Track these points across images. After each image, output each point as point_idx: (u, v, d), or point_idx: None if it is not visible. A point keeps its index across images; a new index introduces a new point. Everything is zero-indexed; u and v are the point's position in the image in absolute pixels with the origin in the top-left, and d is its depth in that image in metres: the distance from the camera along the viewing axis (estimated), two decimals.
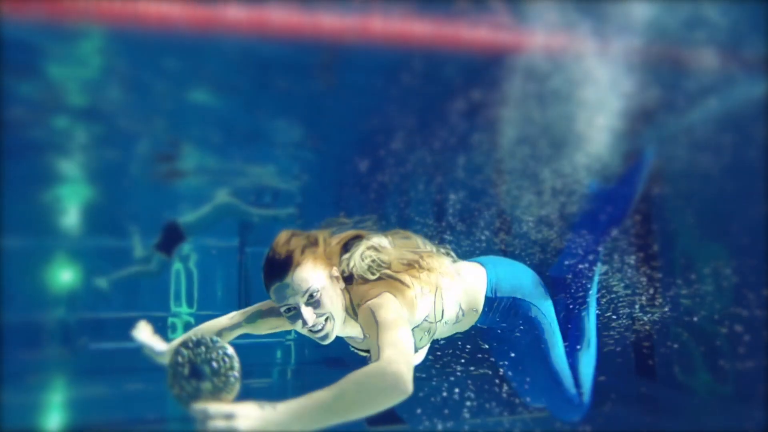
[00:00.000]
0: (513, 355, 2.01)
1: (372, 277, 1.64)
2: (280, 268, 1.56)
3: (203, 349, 1.38)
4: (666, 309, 4.67)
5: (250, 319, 1.82)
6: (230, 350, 1.40)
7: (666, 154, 4.44)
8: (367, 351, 1.83)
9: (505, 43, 3.65)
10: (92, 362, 7.70)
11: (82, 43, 3.62)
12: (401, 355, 1.32)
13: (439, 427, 4.23)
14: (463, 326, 1.93)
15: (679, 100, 4.11)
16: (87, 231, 8.56)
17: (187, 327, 8.74)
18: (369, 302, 1.56)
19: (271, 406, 1.21)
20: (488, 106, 4.38)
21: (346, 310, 1.67)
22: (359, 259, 1.66)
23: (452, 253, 1.85)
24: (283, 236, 1.62)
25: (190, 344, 1.39)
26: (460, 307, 1.86)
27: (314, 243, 1.63)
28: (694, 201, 4.64)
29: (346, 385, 1.22)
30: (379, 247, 1.69)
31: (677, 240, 4.89)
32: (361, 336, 1.75)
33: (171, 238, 6.37)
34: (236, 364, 1.39)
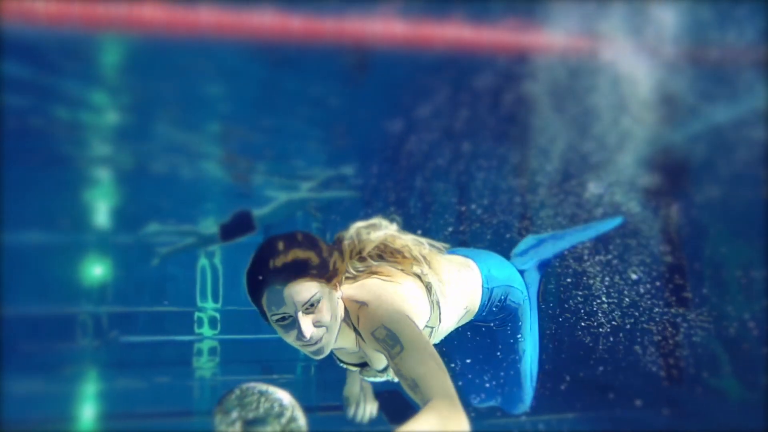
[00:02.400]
0: (497, 350, 1.96)
1: (362, 269, 1.51)
2: (287, 271, 1.34)
3: (254, 399, 1.20)
4: (694, 313, 4.56)
5: None
6: (287, 398, 1.21)
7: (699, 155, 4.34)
8: (358, 365, 1.67)
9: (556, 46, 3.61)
10: (122, 354, 7.94)
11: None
12: (447, 385, 1.23)
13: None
14: (461, 323, 1.84)
15: (709, 98, 4.01)
16: (117, 228, 8.81)
17: (212, 321, 8.92)
18: (376, 316, 1.40)
19: None
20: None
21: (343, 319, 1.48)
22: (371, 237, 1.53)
23: (437, 244, 1.70)
24: (298, 236, 1.41)
25: (235, 400, 1.20)
26: (461, 307, 1.75)
27: (328, 251, 1.42)
28: (723, 204, 4.51)
29: None
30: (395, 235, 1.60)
31: (705, 243, 4.75)
32: (354, 346, 1.56)
33: (239, 227, 6.46)
34: (298, 413, 1.19)
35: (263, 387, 1.22)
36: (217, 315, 9.02)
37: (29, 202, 6.81)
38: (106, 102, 4.55)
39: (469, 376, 1.97)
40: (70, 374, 6.66)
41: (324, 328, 1.38)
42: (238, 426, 1.21)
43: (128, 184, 6.86)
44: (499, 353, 1.95)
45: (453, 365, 2.04)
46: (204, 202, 7.58)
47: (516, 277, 1.93)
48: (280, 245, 1.36)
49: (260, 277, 1.36)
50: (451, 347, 1.94)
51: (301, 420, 1.20)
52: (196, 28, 3.33)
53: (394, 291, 1.47)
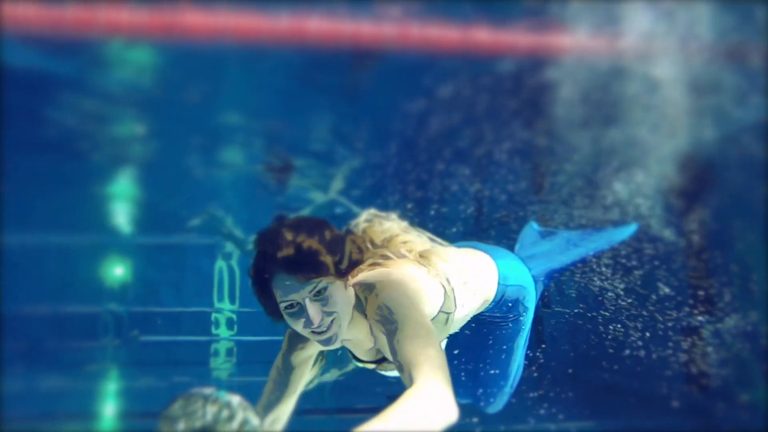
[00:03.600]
0: (489, 346, 1.91)
1: (370, 255, 1.47)
2: (294, 261, 1.30)
3: (198, 406, 1.09)
4: (722, 320, 4.49)
5: (283, 383, 1.55)
6: (235, 400, 1.13)
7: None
8: (374, 363, 1.61)
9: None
10: (142, 353, 8.11)
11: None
12: (440, 371, 1.15)
13: (477, 428, 4.22)
14: (477, 312, 1.81)
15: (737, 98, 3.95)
16: (140, 228, 9.00)
17: (229, 322, 9.06)
18: (379, 297, 1.36)
19: None
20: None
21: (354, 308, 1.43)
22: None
23: (444, 243, 1.67)
24: (304, 223, 1.37)
25: (179, 409, 1.09)
26: (480, 297, 1.73)
27: (341, 240, 1.39)
28: (751, 209, 4.43)
29: (410, 418, 1.04)
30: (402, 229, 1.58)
31: (733, 248, 4.68)
32: (368, 337, 1.50)
33: None
34: (249, 414, 1.11)
35: (207, 391, 1.15)
36: (234, 316, 9.15)
37: (54, 204, 7.01)
38: (140, 102, 4.64)
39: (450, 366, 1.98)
40: (92, 372, 6.84)
41: (334, 315, 1.35)
42: None
43: (155, 185, 7.00)
44: (491, 350, 1.92)
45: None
46: (235, 206, 7.64)
47: (530, 281, 1.92)
48: (287, 234, 1.33)
49: (266, 267, 1.34)
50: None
51: (255, 420, 1.14)
52: (233, 32, 3.42)
53: (401, 274, 1.44)
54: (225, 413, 1.12)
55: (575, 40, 3.59)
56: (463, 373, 1.95)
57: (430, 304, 1.46)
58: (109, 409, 5.50)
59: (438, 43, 3.58)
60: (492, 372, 1.93)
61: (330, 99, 4.55)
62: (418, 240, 1.60)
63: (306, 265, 1.31)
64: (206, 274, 9.15)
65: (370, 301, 1.39)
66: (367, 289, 1.42)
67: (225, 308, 9.11)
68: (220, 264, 9.10)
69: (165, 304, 8.97)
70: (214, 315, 9.03)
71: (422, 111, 4.55)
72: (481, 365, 1.94)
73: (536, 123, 4.65)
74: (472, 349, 1.93)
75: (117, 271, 9.12)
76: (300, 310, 1.35)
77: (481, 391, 1.97)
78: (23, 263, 7.63)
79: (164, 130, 5.15)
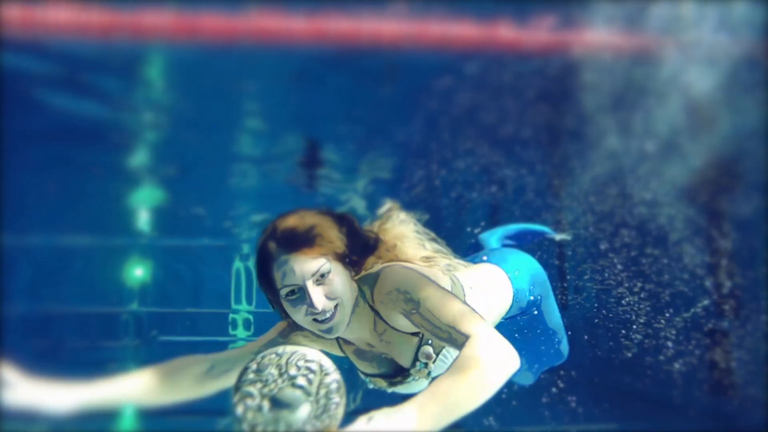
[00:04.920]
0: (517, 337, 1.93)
1: (381, 259, 1.43)
2: (292, 239, 1.25)
3: (274, 362, 1.02)
4: (747, 325, 4.40)
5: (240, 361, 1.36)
6: (311, 355, 1.06)
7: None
8: (385, 377, 1.53)
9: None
10: (161, 353, 8.25)
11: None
12: (483, 322, 1.14)
13: (495, 429, 4.19)
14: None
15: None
16: (161, 231, 9.17)
17: (246, 323, 9.16)
18: (387, 282, 1.33)
19: (386, 416, 0.92)
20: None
21: (356, 302, 1.38)
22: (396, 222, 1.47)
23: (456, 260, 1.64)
24: (309, 209, 1.35)
25: (252, 373, 1.03)
26: (495, 314, 1.74)
27: (345, 222, 1.35)
28: None
29: (477, 371, 1.03)
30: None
31: (760, 251, 4.58)
32: (372, 334, 1.44)
33: None
34: (328, 368, 1.04)
35: (280, 349, 1.08)
36: (251, 317, 9.25)
37: (79, 208, 7.18)
38: (166, 103, 4.70)
39: None
40: (113, 371, 6.98)
41: (337, 301, 1.29)
42: (265, 407, 1.03)
43: (175, 187, 7.11)
44: (531, 335, 1.95)
45: None
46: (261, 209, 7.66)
47: (535, 266, 1.94)
48: (289, 218, 1.30)
49: (267, 247, 1.28)
50: None
51: (334, 375, 1.06)
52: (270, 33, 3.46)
53: (405, 263, 1.42)
54: (303, 373, 1.04)
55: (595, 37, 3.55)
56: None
57: (440, 280, 1.44)
58: (129, 407, 5.61)
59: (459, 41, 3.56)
60: (537, 332, 1.95)
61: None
62: (428, 245, 1.58)
63: (305, 239, 1.25)
64: (224, 276, 9.28)
65: (378, 288, 1.36)
66: (370, 279, 1.38)
67: (242, 309, 9.22)
68: (237, 265, 9.21)
69: (183, 305, 9.12)
70: (231, 316, 9.14)
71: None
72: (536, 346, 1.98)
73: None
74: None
75: (137, 272, 9.31)
76: (301, 297, 1.28)
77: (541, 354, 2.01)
78: (49, 265, 7.84)
79: (187, 133, 5.21)
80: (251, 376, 1.04)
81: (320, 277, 1.28)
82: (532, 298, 1.86)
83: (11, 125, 4.41)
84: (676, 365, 4.69)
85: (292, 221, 1.31)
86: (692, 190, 4.63)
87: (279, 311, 1.42)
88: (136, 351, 8.50)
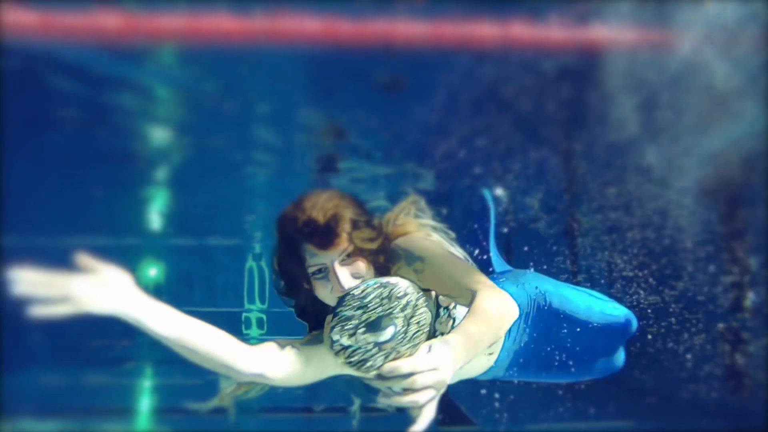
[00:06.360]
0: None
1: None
2: (323, 233, 1.28)
3: (376, 291, 1.12)
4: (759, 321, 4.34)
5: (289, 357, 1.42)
6: (409, 289, 1.15)
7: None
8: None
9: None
10: (175, 352, 8.35)
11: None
12: (489, 281, 1.32)
13: (506, 428, 4.19)
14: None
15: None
16: (174, 230, 9.28)
17: (259, 322, 9.24)
18: (402, 247, 1.40)
19: (445, 343, 1.06)
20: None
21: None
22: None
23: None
24: (331, 193, 1.37)
25: (354, 299, 1.13)
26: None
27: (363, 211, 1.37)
28: None
29: (489, 315, 1.19)
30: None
31: None
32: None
33: None
34: (420, 304, 1.15)
35: (384, 280, 1.17)
36: (264, 316, 9.32)
37: (97, 209, 7.29)
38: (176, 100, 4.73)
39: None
40: (129, 369, 7.09)
41: (360, 279, 1.32)
42: (360, 333, 1.14)
43: (187, 187, 7.17)
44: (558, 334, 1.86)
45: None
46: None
47: (525, 272, 1.91)
48: (311, 205, 1.31)
49: (291, 235, 1.30)
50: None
51: (423, 310, 1.16)
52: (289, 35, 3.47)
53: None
54: (396, 296, 1.15)
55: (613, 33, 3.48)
56: (571, 362, 1.91)
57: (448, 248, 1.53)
58: (145, 404, 5.70)
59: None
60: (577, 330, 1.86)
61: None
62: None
63: (330, 232, 1.28)
64: (237, 275, 9.37)
65: (392, 255, 1.42)
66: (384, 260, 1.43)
67: (255, 308, 9.30)
68: (250, 264, 9.29)
69: (197, 304, 9.22)
70: (244, 315, 9.23)
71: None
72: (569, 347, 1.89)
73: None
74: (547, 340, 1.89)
75: (151, 272, 9.43)
76: (327, 275, 1.32)
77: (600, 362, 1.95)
78: (65, 266, 7.96)
79: (202, 133, 5.25)
80: (354, 302, 1.15)
81: (347, 257, 1.33)
82: (532, 296, 1.82)
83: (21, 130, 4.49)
84: (692, 362, 4.65)
85: (315, 211, 1.31)
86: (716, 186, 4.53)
87: (295, 302, 1.48)
88: (151, 350, 8.62)
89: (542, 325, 1.83)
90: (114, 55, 3.71)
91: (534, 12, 3.32)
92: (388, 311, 1.13)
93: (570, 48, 3.54)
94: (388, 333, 1.12)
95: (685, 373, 4.76)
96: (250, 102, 4.56)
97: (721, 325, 4.62)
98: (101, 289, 1.16)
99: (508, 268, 2.12)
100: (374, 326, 1.13)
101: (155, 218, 8.72)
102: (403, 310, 1.14)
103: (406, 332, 1.14)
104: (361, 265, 1.33)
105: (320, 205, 1.32)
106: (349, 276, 1.32)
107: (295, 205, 1.36)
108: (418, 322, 1.16)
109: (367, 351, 1.14)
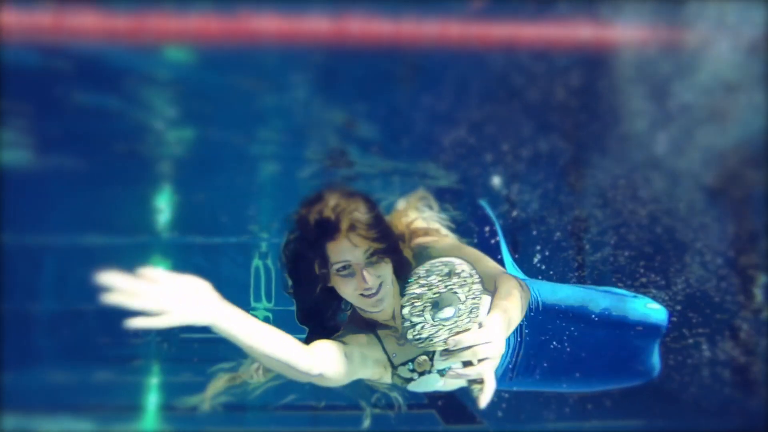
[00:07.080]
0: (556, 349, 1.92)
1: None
2: (341, 228, 1.37)
3: (439, 270, 1.22)
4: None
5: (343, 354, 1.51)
6: (467, 268, 1.26)
7: None
8: (413, 361, 1.64)
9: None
10: (182, 350, 8.40)
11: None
12: (505, 270, 1.53)
13: (515, 427, 4.19)
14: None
15: None
16: (180, 229, 9.32)
17: (265, 321, 9.25)
18: (414, 248, 1.52)
19: (492, 319, 1.23)
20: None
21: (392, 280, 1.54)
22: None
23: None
24: (346, 191, 1.47)
25: (421, 278, 1.23)
26: None
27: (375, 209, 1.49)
28: None
29: (517, 296, 1.35)
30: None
31: None
32: (398, 319, 1.54)
33: None
34: (477, 279, 1.25)
35: (445, 259, 1.26)
36: (270, 315, 9.36)
37: (108, 210, 7.34)
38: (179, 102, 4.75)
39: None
40: (137, 367, 7.14)
41: (382, 279, 1.44)
42: (428, 310, 1.25)
43: (195, 185, 7.20)
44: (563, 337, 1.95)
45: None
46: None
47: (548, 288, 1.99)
48: (332, 202, 1.40)
49: (317, 237, 1.39)
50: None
51: (478, 285, 1.25)
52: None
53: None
54: (455, 274, 1.24)
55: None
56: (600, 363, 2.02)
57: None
58: (152, 401, 5.73)
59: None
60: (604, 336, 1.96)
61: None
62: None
63: (358, 228, 1.38)
64: (243, 273, 9.38)
65: (417, 259, 1.54)
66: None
67: (261, 306, 9.32)
68: (256, 262, 9.31)
69: None
70: (251, 313, 9.24)
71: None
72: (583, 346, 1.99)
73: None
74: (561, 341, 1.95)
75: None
76: (353, 272, 1.42)
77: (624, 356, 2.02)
78: (74, 264, 8.03)
79: (209, 130, 5.25)
80: (421, 281, 1.25)
81: (371, 255, 1.42)
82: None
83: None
84: (702, 362, 4.61)
85: (332, 211, 1.38)
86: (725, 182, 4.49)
87: (300, 305, 1.57)
88: (159, 348, 8.66)
89: (543, 329, 1.90)
90: (124, 50, 3.72)
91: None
92: (450, 287, 1.23)
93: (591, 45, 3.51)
94: (451, 309, 1.23)
95: (695, 372, 4.72)
96: (260, 97, 4.56)
97: (731, 326, 4.59)
98: (194, 299, 1.19)
99: (522, 275, 2.16)
100: (439, 303, 1.24)
101: (161, 216, 8.75)
102: (461, 286, 1.24)
103: (465, 307, 1.24)
104: (382, 265, 1.43)
105: (338, 205, 1.40)
106: (373, 274, 1.41)
107: (314, 203, 1.44)
108: (473, 297, 1.26)
109: (433, 326, 1.23)
